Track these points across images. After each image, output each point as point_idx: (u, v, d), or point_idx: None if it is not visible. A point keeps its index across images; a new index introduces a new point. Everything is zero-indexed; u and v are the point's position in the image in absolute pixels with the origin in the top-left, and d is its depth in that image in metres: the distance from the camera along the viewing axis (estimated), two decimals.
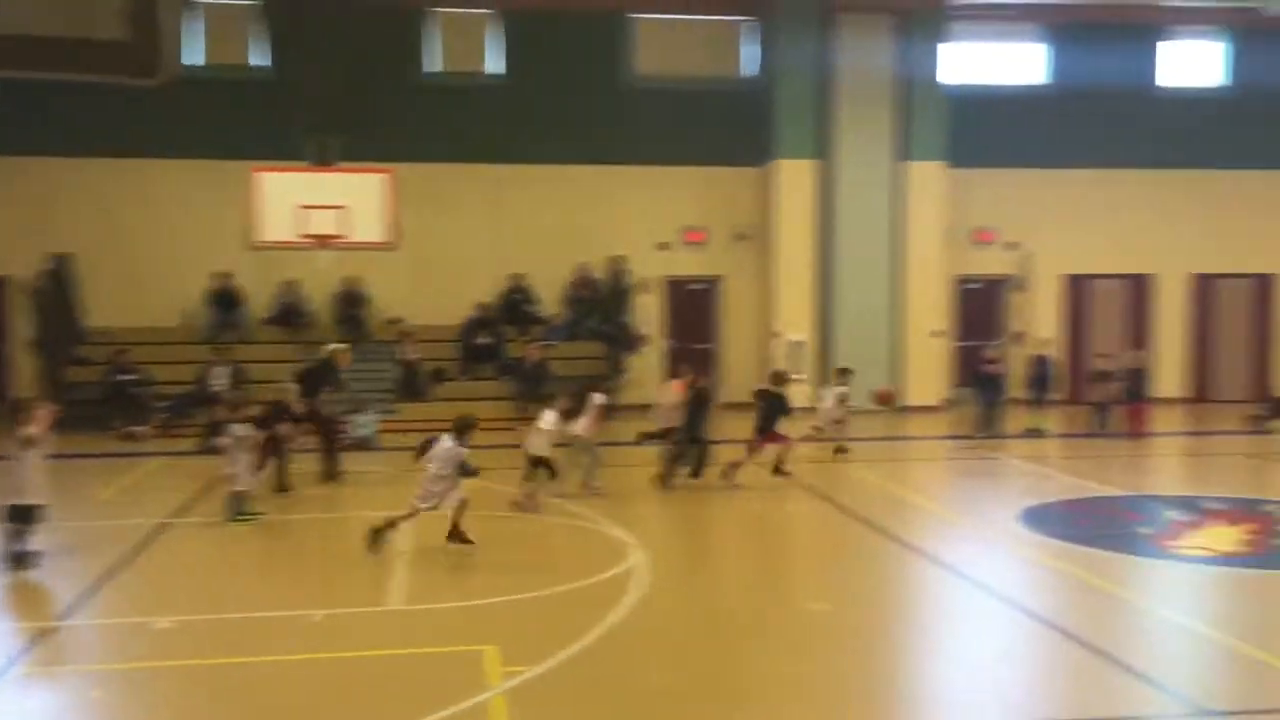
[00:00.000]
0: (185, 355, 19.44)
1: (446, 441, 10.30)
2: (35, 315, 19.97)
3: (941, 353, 22.47)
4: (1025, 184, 22.91)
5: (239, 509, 11.69)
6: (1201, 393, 23.81)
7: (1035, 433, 18.64)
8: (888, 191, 21.88)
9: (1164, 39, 23.56)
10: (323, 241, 16.76)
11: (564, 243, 21.76)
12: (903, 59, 21.77)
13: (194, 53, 21.26)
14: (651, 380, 20.98)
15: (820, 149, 21.85)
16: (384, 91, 21.14)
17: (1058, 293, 23.49)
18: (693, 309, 22.92)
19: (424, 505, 10.29)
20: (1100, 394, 18.95)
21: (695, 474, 13.83)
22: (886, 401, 17.29)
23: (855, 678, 7.25)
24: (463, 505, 10.31)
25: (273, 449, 13.09)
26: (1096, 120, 22.90)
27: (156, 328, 20.41)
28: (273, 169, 17.00)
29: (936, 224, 22.09)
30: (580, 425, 12.99)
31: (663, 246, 22.47)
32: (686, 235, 22.58)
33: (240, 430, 11.81)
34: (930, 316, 22.19)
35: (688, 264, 22.70)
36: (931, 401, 21.54)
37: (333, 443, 14.39)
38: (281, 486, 13.24)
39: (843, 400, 16.42)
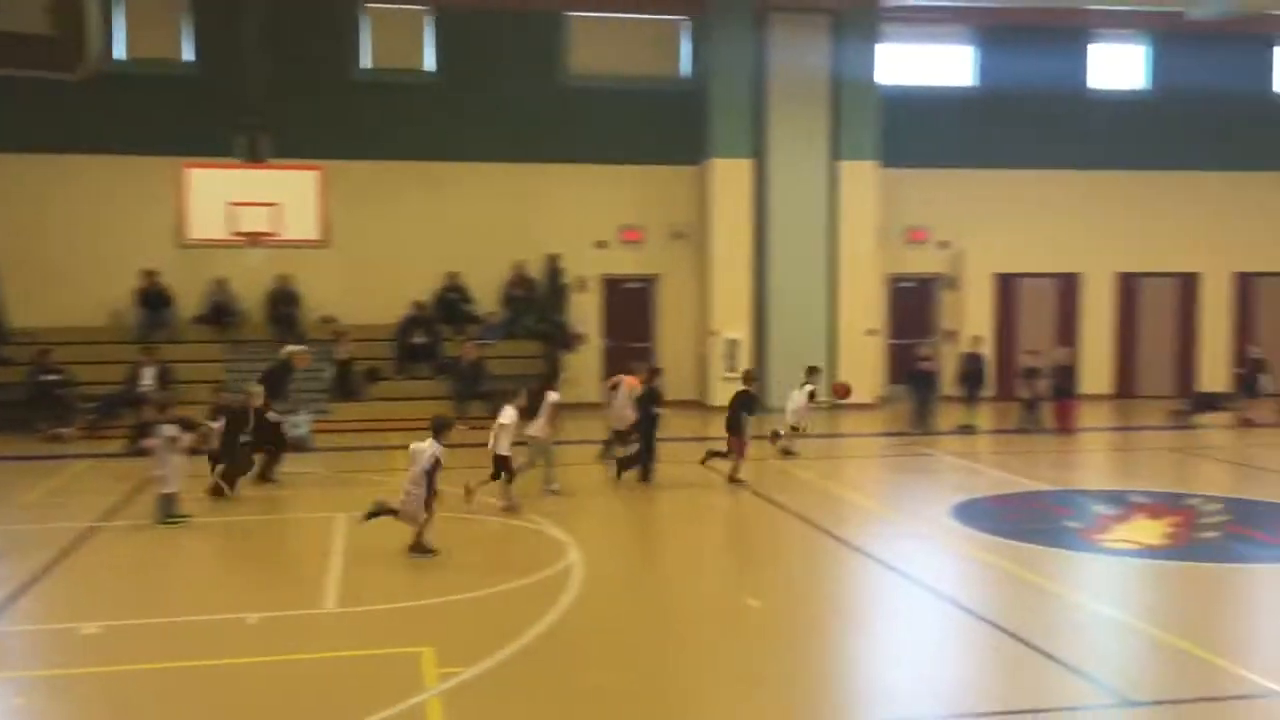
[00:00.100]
0: (113, 355, 19.04)
1: (423, 442, 10.20)
2: None
3: (876, 351, 22.73)
4: (956, 184, 23.24)
5: (169, 511, 11.49)
6: (1127, 389, 24.33)
7: (967, 429, 18.92)
8: (822, 191, 22.07)
9: (1091, 42, 24.05)
10: (254, 239, 16.51)
11: (500, 241, 21.66)
12: (837, 59, 21.98)
13: (120, 47, 20.85)
14: (590, 379, 21.02)
15: (756, 148, 21.98)
16: (317, 88, 20.94)
17: (988, 291, 23.86)
18: (629, 307, 22.93)
19: (405, 508, 10.16)
20: (1029, 391, 19.28)
21: (644, 477, 13.93)
22: (844, 395, 17.52)
23: (791, 673, 7.31)
24: (430, 516, 10.20)
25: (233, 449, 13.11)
26: (1026, 121, 23.31)
27: (83, 327, 19.99)
28: (202, 165, 16.71)
29: (870, 223, 22.33)
30: (535, 426, 12.95)
31: (600, 245, 22.47)
32: (623, 234, 22.59)
33: (169, 431, 11.61)
34: (865, 315, 22.43)
35: (624, 262, 22.71)
36: (866, 399, 21.77)
37: (281, 445, 14.18)
38: (264, 477, 13.56)
39: (812, 398, 16.53)
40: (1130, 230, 23.90)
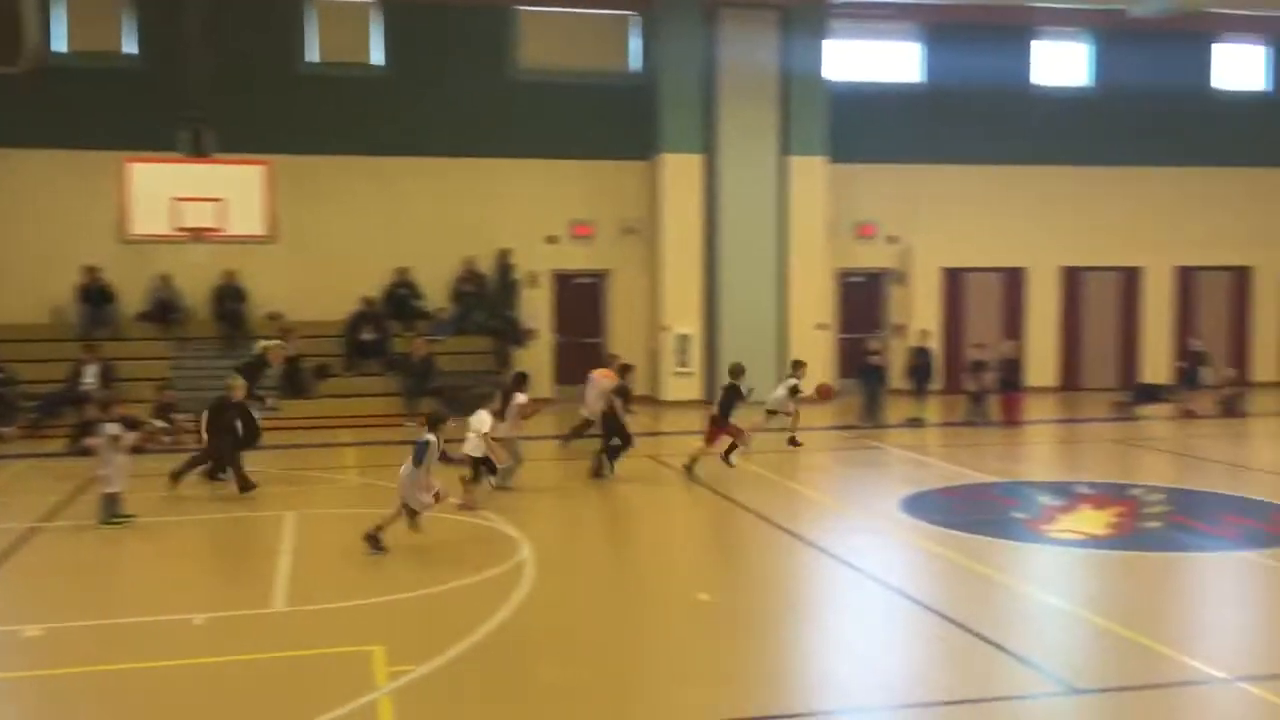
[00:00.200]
0: (54, 353, 18.72)
1: (421, 437, 10.16)
2: None
3: (826, 345, 22.86)
4: (904, 179, 23.44)
5: (112, 511, 11.30)
6: (1072, 381, 24.69)
7: (915, 422, 19.11)
8: (772, 186, 22.17)
9: (1036, 39, 24.35)
10: (198, 234, 16.27)
11: (450, 236, 21.55)
12: (786, 54, 22.08)
13: (61, 40, 20.48)
14: (541, 375, 20.95)
15: (705, 143, 22.04)
16: (263, 81, 20.69)
17: (936, 286, 24.09)
18: (580, 303, 22.90)
19: (413, 505, 10.15)
20: (976, 384, 19.50)
21: (597, 471, 13.94)
22: (827, 396, 17.63)
23: (743, 665, 7.34)
24: (396, 514, 10.16)
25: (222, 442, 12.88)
26: (972, 118, 23.56)
27: (24, 324, 19.64)
28: (144, 160, 16.43)
29: (819, 218, 22.46)
30: (503, 428, 12.88)
31: (550, 240, 22.42)
32: (574, 229, 22.56)
33: (112, 430, 11.42)
34: (814, 309, 22.56)
35: (575, 258, 22.68)
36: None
37: (253, 440, 13.94)
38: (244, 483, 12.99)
39: (794, 392, 16.56)
40: (1074, 225, 24.25)
